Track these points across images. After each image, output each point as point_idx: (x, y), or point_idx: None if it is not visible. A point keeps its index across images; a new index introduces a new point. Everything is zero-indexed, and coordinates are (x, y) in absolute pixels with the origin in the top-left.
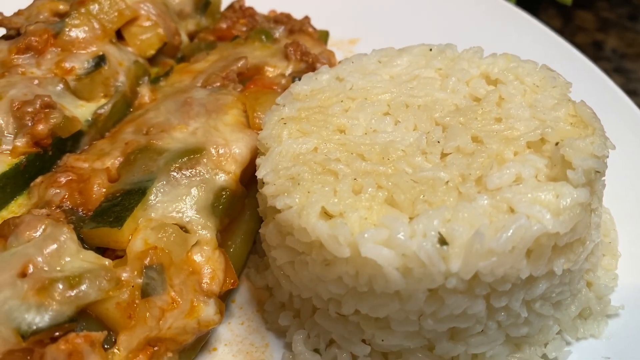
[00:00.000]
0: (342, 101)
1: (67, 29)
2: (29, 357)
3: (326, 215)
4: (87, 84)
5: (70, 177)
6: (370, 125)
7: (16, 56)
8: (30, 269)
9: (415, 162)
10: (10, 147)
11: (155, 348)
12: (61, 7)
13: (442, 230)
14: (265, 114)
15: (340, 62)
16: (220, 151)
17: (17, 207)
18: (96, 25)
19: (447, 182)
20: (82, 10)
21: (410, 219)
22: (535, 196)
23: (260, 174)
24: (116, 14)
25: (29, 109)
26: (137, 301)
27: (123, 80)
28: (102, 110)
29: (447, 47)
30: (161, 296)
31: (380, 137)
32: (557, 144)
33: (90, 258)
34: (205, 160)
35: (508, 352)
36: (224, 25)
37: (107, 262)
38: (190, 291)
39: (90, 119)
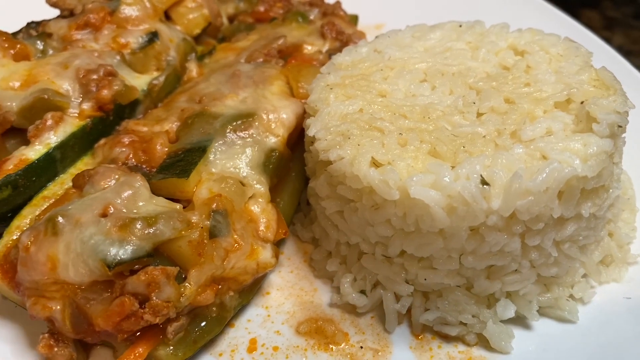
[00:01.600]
0: (381, 70)
1: (121, 7)
2: (109, 290)
3: (375, 165)
4: (141, 58)
5: (133, 139)
6: (410, 90)
7: (75, 32)
8: (111, 210)
9: (454, 120)
10: (77, 111)
11: (219, 286)
12: None
13: (483, 174)
14: (309, 83)
15: (377, 37)
16: (270, 116)
17: (83, 165)
18: (147, 5)
19: (484, 136)
20: None
21: (452, 167)
22: (565, 145)
23: (311, 132)
24: None
25: (94, 77)
26: (205, 241)
27: (174, 55)
28: (156, 82)
29: (475, 23)
30: (226, 238)
31: (420, 100)
32: (582, 102)
33: (162, 202)
34: (257, 123)
35: (539, 291)
36: (261, 8)
37: (178, 206)
38: (249, 236)
39: (145, 89)
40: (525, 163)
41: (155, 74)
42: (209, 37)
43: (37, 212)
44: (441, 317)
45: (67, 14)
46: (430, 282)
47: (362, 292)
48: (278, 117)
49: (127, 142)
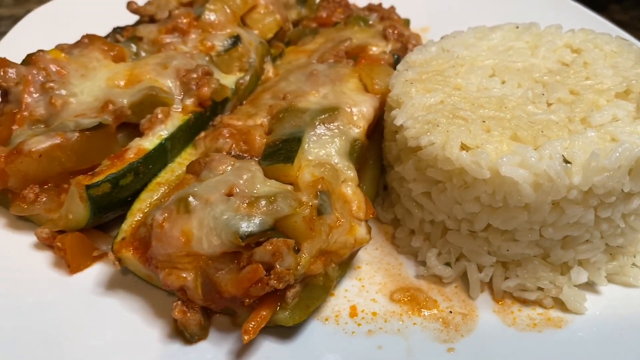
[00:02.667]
0: (453, 66)
1: (206, 13)
2: (235, 260)
3: (463, 148)
4: (226, 59)
5: (232, 131)
6: (482, 84)
7: (165, 36)
8: (237, 190)
9: (528, 109)
10: (180, 107)
11: (324, 258)
12: None
13: (564, 154)
14: (382, 80)
15: (442, 37)
16: (352, 109)
17: (187, 155)
18: (228, 11)
19: (557, 122)
20: None
21: (535, 149)
22: (633, 129)
23: (398, 121)
24: (240, 1)
25: (193, 75)
26: (314, 217)
27: (254, 57)
28: (242, 81)
29: (531, 24)
30: (330, 215)
31: (494, 92)
32: None
33: (275, 184)
34: (341, 116)
35: (606, 260)
36: (323, 14)
37: (289, 187)
38: (347, 214)
39: (233, 87)
40: (598, 144)
41: (239, 74)
42: (277, 41)
43: (155, 197)
44: (520, 284)
45: (147, 19)
46: (511, 253)
47: (447, 264)
48: (359, 110)
49: (227, 135)
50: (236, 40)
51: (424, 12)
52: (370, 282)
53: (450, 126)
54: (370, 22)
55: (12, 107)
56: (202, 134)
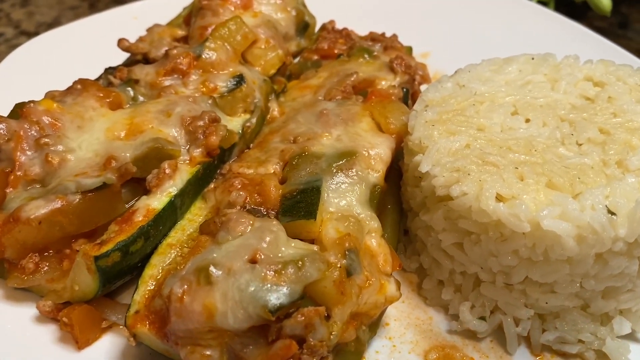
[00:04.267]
0: (473, 104)
1: (206, 52)
2: (263, 334)
3: (498, 199)
4: (230, 101)
5: (244, 182)
6: (506, 124)
7: (163, 78)
8: (261, 256)
9: (559, 152)
10: (187, 158)
11: (355, 322)
12: (179, 32)
13: (606, 204)
14: (396, 119)
15: (456, 72)
16: (370, 152)
17: (197, 210)
18: (228, 48)
19: (592, 167)
20: (217, 34)
21: (573, 199)
22: None
23: (423, 168)
24: (241, 37)
25: (200, 123)
26: (344, 280)
27: (259, 96)
28: (249, 124)
29: (546, 55)
30: (359, 275)
31: (519, 133)
32: None
33: (299, 245)
34: (359, 161)
35: None
36: (324, 45)
37: (315, 248)
38: (375, 271)
39: (240, 131)
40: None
41: (244, 115)
42: (279, 76)
43: (167, 261)
44: (560, 337)
45: (140, 57)
46: (550, 305)
47: (481, 318)
48: (377, 153)
49: (239, 186)
50: (240, 79)
51: (421, 37)
52: (401, 340)
53: (482, 174)
54: (375, 53)
55: (2, 167)
56: (212, 185)
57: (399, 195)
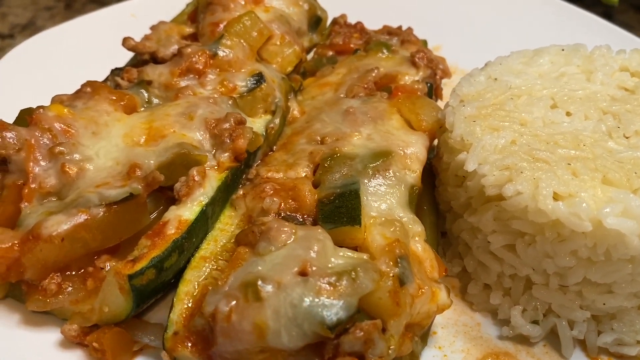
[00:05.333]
0: (511, 98)
1: (222, 49)
2: (318, 351)
3: (555, 198)
4: (250, 101)
5: (275, 187)
6: (547, 117)
7: (179, 78)
8: (312, 268)
9: (608, 146)
10: (214, 163)
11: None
12: (187, 29)
13: None
14: (427, 115)
15: (486, 64)
16: (406, 151)
17: (227, 218)
18: (245, 45)
19: None
20: (232, 30)
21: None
22: None
23: (470, 167)
24: (257, 33)
25: (225, 126)
26: (398, 289)
27: (279, 96)
28: (272, 125)
29: (577, 46)
30: (412, 284)
31: (563, 127)
32: None
33: (347, 253)
34: (395, 161)
35: None
36: (339, 40)
37: (365, 256)
38: (425, 278)
39: (264, 133)
40: None
41: (264, 116)
42: (293, 73)
43: (203, 276)
44: (618, 338)
45: (148, 57)
46: (607, 307)
47: (534, 322)
48: (412, 152)
49: (271, 192)
50: (259, 78)
51: (430, 30)
52: (452, 349)
53: (535, 172)
54: (393, 48)
55: (14, 179)
56: (240, 191)
57: (433, 195)
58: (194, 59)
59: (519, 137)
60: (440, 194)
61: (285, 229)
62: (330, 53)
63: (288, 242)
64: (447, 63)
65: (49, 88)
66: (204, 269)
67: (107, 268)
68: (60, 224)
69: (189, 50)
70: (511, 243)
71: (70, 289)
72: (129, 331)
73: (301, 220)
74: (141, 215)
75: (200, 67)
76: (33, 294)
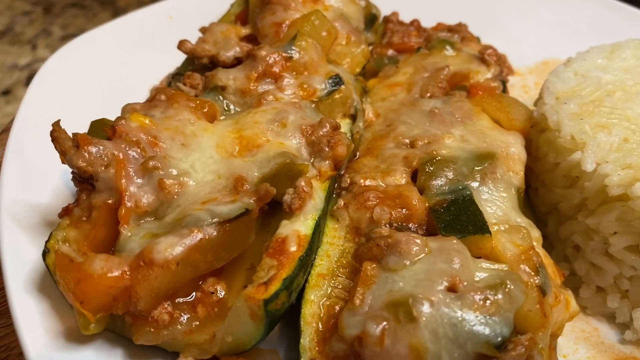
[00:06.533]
0: (607, 95)
1: (297, 51)
2: None
3: None
4: (328, 104)
5: (379, 196)
6: None
7: (256, 83)
8: (462, 283)
9: None
10: (315, 172)
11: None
12: (243, 30)
13: None
14: (517, 114)
15: (568, 60)
16: (508, 152)
17: (332, 231)
18: (317, 46)
19: None
20: (304, 30)
21: None
22: None
23: (588, 166)
24: (326, 33)
25: (322, 132)
26: (542, 300)
27: (357, 98)
28: (357, 129)
29: None
30: (551, 293)
31: None
32: None
33: (487, 265)
34: (500, 162)
35: None
36: (397, 39)
37: (504, 267)
38: (557, 286)
39: (350, 138)
40: None
41: (343, 120)
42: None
43: (325, 296)
44: None
45: (207, 61)
46: None
47: None
48: (514, 152)
49: (376, 201)
50: (338, 80)
51: (473, 25)
52: (577, 357)
53: None
54: (457, 45)
55: (104, 198)
56: (341, 202)
57: (528, 197)
58: (270, 62)
59: (631, 135)
60: (540, 196)
61: (417, 240)
62: (390, 52)
63: (421, 255)
64: (508, 60)
65: (91, 93)
66: (324, 287)
67: (220, 293)
68: (174, 247)
69: (263, 52)
70: (635, 244)
71: (183, 318)
72: None
73: (414, 230)
74: (250, 232)
75: (278, 71)
76: (141, 325)
